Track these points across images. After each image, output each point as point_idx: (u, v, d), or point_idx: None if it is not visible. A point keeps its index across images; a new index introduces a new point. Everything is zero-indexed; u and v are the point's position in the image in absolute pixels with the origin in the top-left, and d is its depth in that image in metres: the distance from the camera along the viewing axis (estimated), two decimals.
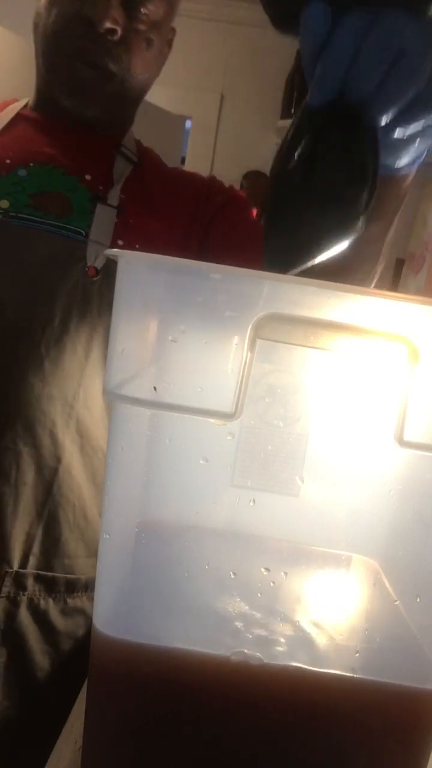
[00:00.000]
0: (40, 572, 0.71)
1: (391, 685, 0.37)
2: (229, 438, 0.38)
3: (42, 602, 0.71)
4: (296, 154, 0.41)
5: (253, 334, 0.33)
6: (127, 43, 0.74)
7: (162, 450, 0.39)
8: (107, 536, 0.39)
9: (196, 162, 2.17)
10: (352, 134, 0.40)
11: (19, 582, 0.69)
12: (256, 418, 0.38)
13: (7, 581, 0.69)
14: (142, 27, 0.75)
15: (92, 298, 0.70)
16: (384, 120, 0.40)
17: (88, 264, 0.70)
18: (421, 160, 0.47)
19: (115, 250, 0.35)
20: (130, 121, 0.86)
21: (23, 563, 0.70)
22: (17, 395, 0.68)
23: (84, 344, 0.70)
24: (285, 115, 2.06)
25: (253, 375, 0.34)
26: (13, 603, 0.69)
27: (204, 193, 0.83)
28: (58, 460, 0.70)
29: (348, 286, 0.32)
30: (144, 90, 0.82)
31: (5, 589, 0.69)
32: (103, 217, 0.73)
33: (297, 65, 2.04)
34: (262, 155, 2.17)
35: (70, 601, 0.73)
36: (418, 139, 0.43)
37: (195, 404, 0.34)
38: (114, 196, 0.76)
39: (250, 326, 0.33)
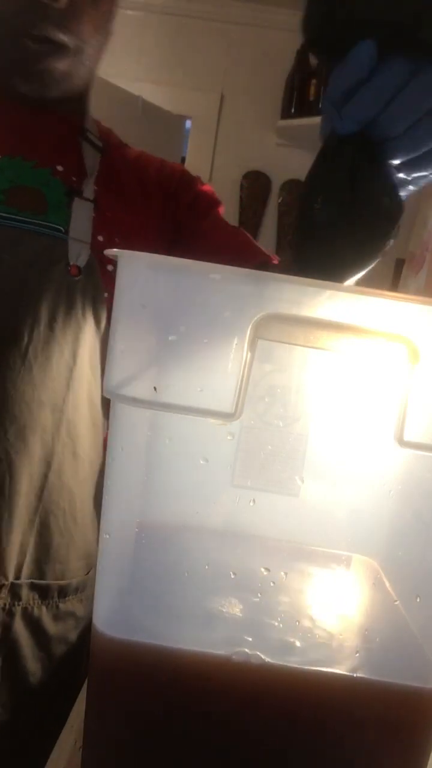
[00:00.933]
0: (34, 581, 0.70)
1: (391, 685, 0.37)
2: (229, 438, 0.38)
3: (36, 610, 0.70)
4: (328, 186, 0.43)
5: (253, 334, 0.33)
6: (73, 7, 0.68)
7: (162, 450, 0.39)
8: (107, 536, 0.39)
9: (196, 162, 2.17)
10: (378, 167, 0.43)
11: (14, 592, 0.69)
12: (256, 418, 0.38)
13: (3, 593, 0.68)
14: None
15: (76, 298, 0.68)
16: (399, 159, 0.43)
17: (70, 263, 0.68)
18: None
19: (115, 250, 0.35)
20: (88, 98, 0.81)
21: (18, 573, 0.69)
22: (8, 403, 0.66)
23: (71, 346, 0.69)
24: (285, 115, 2.06)
25: (253, 375, 0.34)
26: (9, 614, 0.68)
27: (173, 186, 0.81)
28: (49, 465, 0.69)
29: (348, 286, 0.32)
30: (99, 55, 0.75)
31: (1, 601, 0.68)
32: (81, 212, 0.71)
33: (297, 65, 2.04)
34: (262, 155, 2.17)
35: (62, 605, 0.72)
36: (411, 187, 0.46)
37: (195, 404, 0.34)
38: (89, 188, 0.73)
39: (250, 326, 0.33)
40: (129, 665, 0.38)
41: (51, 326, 0.67)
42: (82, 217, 0.70)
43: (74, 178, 0.73)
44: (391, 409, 0.34)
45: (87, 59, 0.72)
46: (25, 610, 0.69)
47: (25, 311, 0.66)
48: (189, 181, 0.83)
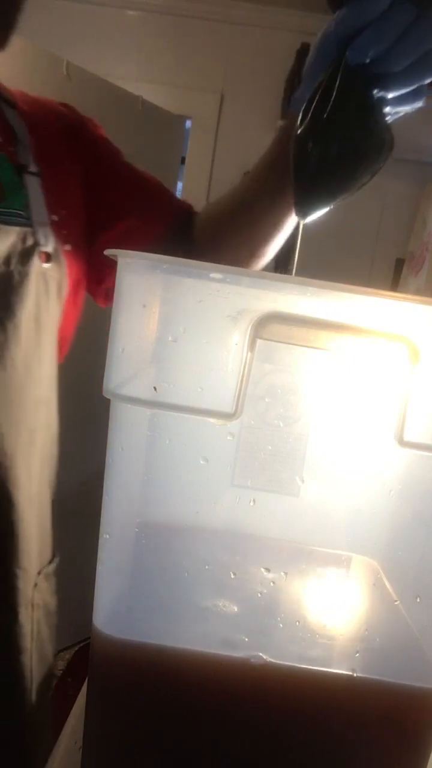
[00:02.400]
0: (43, 570, 0.71)
1: (392, 685, 0.37)
2: (229, 438, 0.38)
3: (46, 595, 0.72)
4: (332, 100, 0.46)
5: (253, 334, 0.33)
6: None
7: (162, 450, 0.39)
8: (107, 536, 0.39)
9: (196, 162, 2.17)
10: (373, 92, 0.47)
11: (38, 588, 0.70)
12: (256, 418, 0.38)
13: (35, 591, 0.69)
14: None
15: (50, 287, 0.65)
16: (392, 94, 0.47)
17: (41, 250, 0.63)
18: None
19: (115, 249, 0.35)
20: None
21: (39, 569, 0.70)
22: (16, 408, 0.66)
23: (51, 337, 0.67)
24: (285, 115, 2.06)
25: (253, 375, 0.34)
26: (37, 610, 0.70)
27: (75, 133, 0.74)
28: (44, 459, 0.71)
29: (348, 286, 0.32)
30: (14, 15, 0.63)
31: (35, 601, 0.69)
32: (35, 191, 0.65)
33: (297, 65, 2.04)
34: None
35: (52, 581, 0.74)
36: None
37: (195, 404, 0.34)
38: (28, 158, 0.66)
39: (250, 326, 0.33)
40: (129, 665, 0.38)
41: (38, 321, 0.65)
42: (36, 195, 0.65)
43: (11, 149, 0.66)
44: (391, 409, 0.34)
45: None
46: (42, 598, 0.71)
47: (11, 307, 0.63)
48: (82, 122, 0.76)
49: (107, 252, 0.37)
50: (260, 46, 2.14)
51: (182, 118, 2.12)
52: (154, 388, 0.34)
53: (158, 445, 0.38)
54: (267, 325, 0.33)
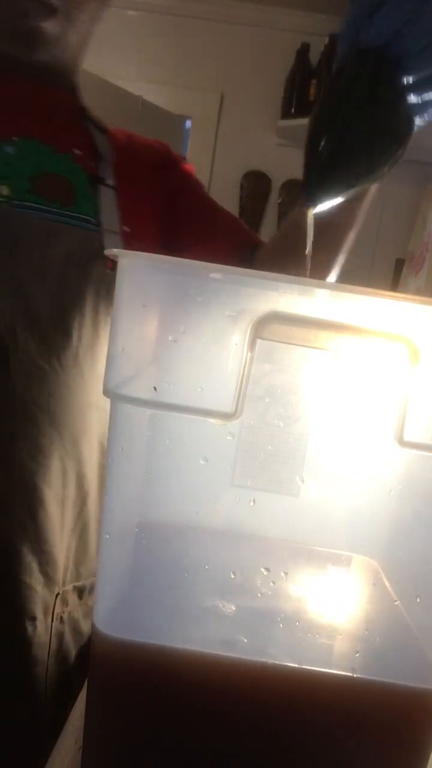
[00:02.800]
0: (76, 584, 0.69)
1: (391, 685, 0.37)
2: (229, 438, 0.38)
3: (76, 612, 0.69)
4: (350, 87, 0.45)
5: (253, 334, 0.33)
6: None
7: (162, 450, 0.39)
8: (107, 536, 0.39)
9: (196, 162, 2.17)
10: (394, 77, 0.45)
11: (64, 600, 0.68)
12: (256, 418, 0.38)
13: (57, 603, 0.67)
14: None
15: (111, 293, 0.66)
16: (412, 78, 0.44)
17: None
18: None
19: (114, 249, 0.35)
20: (78, 75, 0.76)
21: (65, 580, 0.68)
22: (64, 410, 0.64)
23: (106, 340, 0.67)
24: (285, 115, 2.06)
25: (253, 375, 0.34)
26: (61, 622, 0.67)
27: (161, 161, 0.79)
28: (91, 467, 0.68)
29: (348, 286, 0.32)
30: (90, 25, 0.71)
31: (56, 612, 0.66)
32: (108, 201, 0.68)
33: (297, 65, 2.04)
34: (262, 155, 2.17)
35: (89, 602, 0.71)
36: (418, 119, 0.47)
37: (195, 404, 0.34)
38: (108, 173, 0.70)
39: (250, 326, 0.33)
40: (129, 665, 0.38)
41: (96, 326, 0.65)
42: (109, 206, 0.68)
43: (91, 163, 0.70)
44: (391, 409, 0.34)
45: (77, 26, 0.68)
46: (70, 614, 0.68)
47: (72, 311, 0.64)
48: (175, 161, 0.81)
49: (107, 252, 0.37)
50: (260, 46, 2.14)
51: (182, 118, 2.13)
52: (154, 388, 0.34)
53: (158, 445, 0.38)
54: (267, 325, 0.33)
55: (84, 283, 0.64)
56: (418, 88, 0.45)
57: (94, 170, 0.70)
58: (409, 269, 2.04)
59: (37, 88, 0.71)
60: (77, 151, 0.70)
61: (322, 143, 0.45)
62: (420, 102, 0.46)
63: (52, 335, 0.63)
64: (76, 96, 0.76)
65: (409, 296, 0.32)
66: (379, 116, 0.44)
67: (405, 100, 0.45)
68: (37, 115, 0.70)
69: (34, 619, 0.65)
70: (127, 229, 0.69)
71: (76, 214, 0.66)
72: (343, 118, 0.44)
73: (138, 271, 0.35)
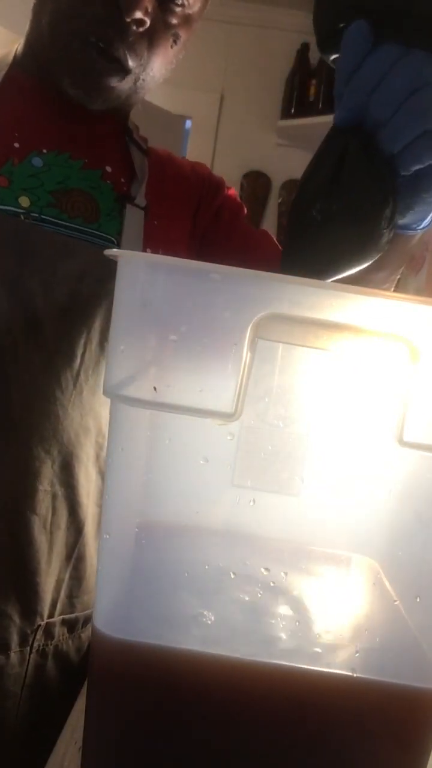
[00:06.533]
0: (65, 616, 0.66)
1: (391, 685, 0.37)
2: (229, 438, 0.38)
3: (64, 646, 0.67)
4: (318, 174, 0.43)
5: (253, 334, 0.33)
6: (153, 38, 0.63)
7: (162, 450, 0.39)
8: (107, 536, 0.39)
9: None
10: (369, 156, 0.41)
11: (48, 632, 0.65)
12: (256, 418, 0.38)
13: (39, 634, 0.64)
14: (174, 21, 0.63)
15: None
16: (395, 148, 0.41)
17: None
18: (427, 224, 0.48)
19: (114, 250, 0.35)
20: (131, 106, 0.76)
21: (51, 612, 0.65)
22: (57, 431, 0.62)
23: None
24: (285, 115, 2.06)
25: (253, 375, 0.34)
26: (42, 655, 0.65)
27: (201, 190, 0.77)
28: (88, 495, 0.65)
29: (348, 286, 0.32)
30: (154, 85, 0.70)
31: (36, 643, 0.64)
32: (133, 221, 0.66)
33: (297, 65, 2.04)
34: (262, 155, 2.17)
35: (83, 635, 0.69)
36: (424, 196, 0.44)
37: (195, 404, 0.34)
38: (140, 194, 0.68)
39: (250, 326, 0.33)
40: (129, 665, 0.38)
41: (102, 346, 0.62)
42: (133, 226, 0.67)
43: (123, 181, 0.69)
44: (391, 409, 0.34)
45: (144, 86, 0.68)
46: (56, 647, 0.66)
47: (78, 330, 0.62)
48: (216, 186, 0.79)
49: (106, 252, 0.37)
50: (260, 46, 2.14)
51: (182, 118, 2.12)
52: (154, 388, 0.34)
53: (158, 445, 0.38)
54: (267, 325, 0.33)
55: (95, 303, 0.62)
56: (401, 159, 0.41)
57: (125, 189, 0.69)
58: (409, 269, 2.04)
59: (79, 108, 0.68)
60: (109, 169, 0.69)
61: (296, 223, 0.43)
62: (409, 173, 0.42)
63: (55, 353, 0.61)
64: (122, 117, 0.75)
65: (409, 296, 0.32)
66: (349, 199, 0.41)
67: (382, 174, 0.41)
68: (73, 130, 0.69)
69: (7, 648, 0.62)
70: (149, 250, 0.67)
71: (97, 232, 0.65)
72: (311, 208, 0.42)
73: (138, 271, 0.35)
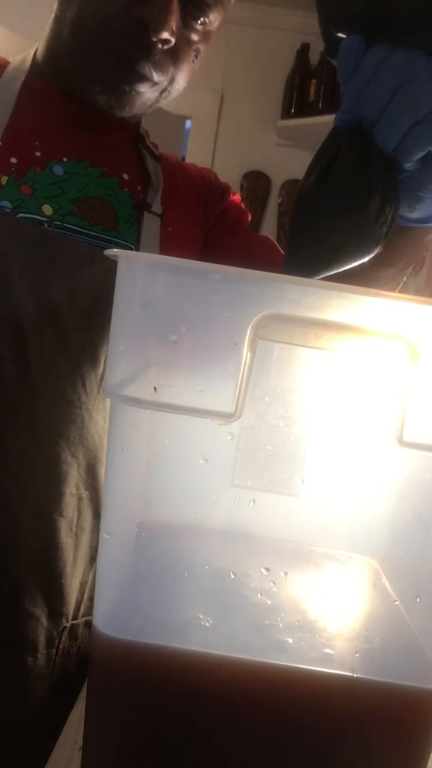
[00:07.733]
0: (88, 618, 0.66)
1: (391, 685, 0.37)
2: (229, 438, 0.38)
3: (86, 647, 0.66)
4: (314, 170, 0.45)
5: (253, 334, 0.33)
6: (177, 54, 0.65)
7: (162, 450, 0.39)
8: (107, 536, 0.39)
9: (196, 162, 2.17)
10: (362, 152, 0.43)
11: (72, 633, 0.65)
12: (256, 418, 0.38)
13: (64, 636, 0.64)
14: (195, 37, 0.66)
15: None
16: (392, 142, 0.42)
17: None
18: None
19: (114, 249, 0.35)
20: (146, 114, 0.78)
21: (76, 613, 0.65)
22: (83, 435, 0.62)
23: None
24: (285, 115, 2.06)
25: (253, 375, 0.34)
26: (66, 656, 0.65)
27: (207, 195, 0.79)
28: None
29: (348, 286, 0.32)
30: (175, 94, 0.72)
31: (61, 645, 0.64)
32: (150, 228, 0.68)
33: (297, 65, 2.04)
34: (262, 155, 2.17)
35: None
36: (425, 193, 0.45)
37: (195, 404, 0.34)
38: (156, 201, 0.70)
39: (250, 326, 0.33)
40: (129, 665, 0.38)
41: None
42: (151, 232, 0.68)
43: (140, 188, 0.71)
44: (391, 409, 0.34)
45: (167, 97, 0.70)
46: (78, 648, 0.66)
47: (101, 333, 0.63)
48: (221, 191, 0.81)
49: (106, 252, 0.37)
50: (260, 46, 2.14)
51: (182, 118, 2.12)
52: (154, 388, 0.34)
53: (158, 445, 0.38)
54: (267, 325, 0.33)
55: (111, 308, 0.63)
56: (399, 156, 0.42)
57: (141, 196, 0.71)
58: None
59: (95, 116, 0.70)
60: (126, 176, 0.70)
61: (299, 219, 0.45)
62: (408, 170, 0.44)
63: (80, 358, 0.62)
64: (135, 124, 0.76)
65: (409, 297, 0.32)
66: (340, 197, 0.43)
67: (375, 176, 0.43)
68: (91, 137, 0.70)
69: (35, 650, 0.63)
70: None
71: (117, 239, 0.66)
72: (318, 196, 0.44)
73: (138, 271, 0.35)
